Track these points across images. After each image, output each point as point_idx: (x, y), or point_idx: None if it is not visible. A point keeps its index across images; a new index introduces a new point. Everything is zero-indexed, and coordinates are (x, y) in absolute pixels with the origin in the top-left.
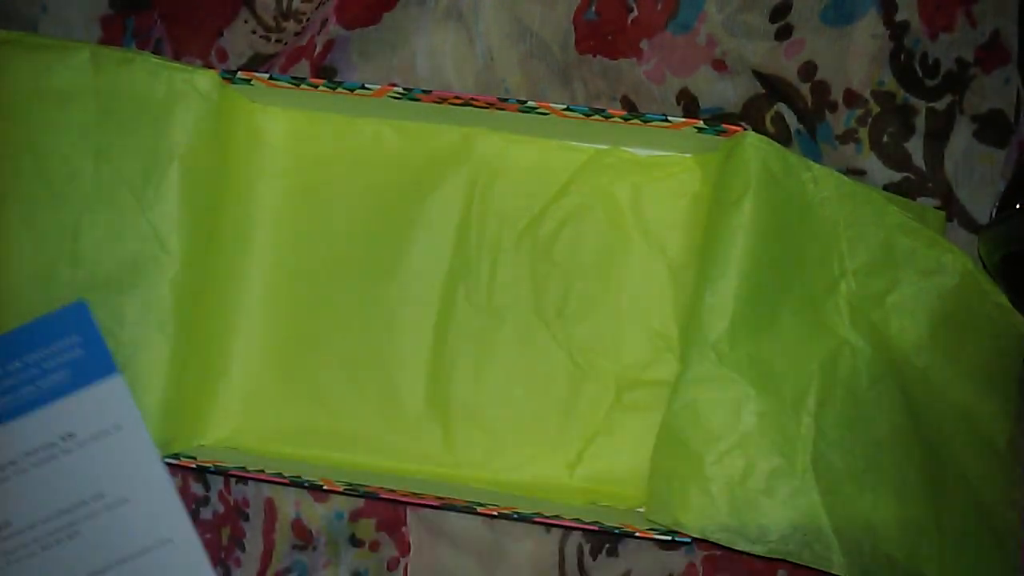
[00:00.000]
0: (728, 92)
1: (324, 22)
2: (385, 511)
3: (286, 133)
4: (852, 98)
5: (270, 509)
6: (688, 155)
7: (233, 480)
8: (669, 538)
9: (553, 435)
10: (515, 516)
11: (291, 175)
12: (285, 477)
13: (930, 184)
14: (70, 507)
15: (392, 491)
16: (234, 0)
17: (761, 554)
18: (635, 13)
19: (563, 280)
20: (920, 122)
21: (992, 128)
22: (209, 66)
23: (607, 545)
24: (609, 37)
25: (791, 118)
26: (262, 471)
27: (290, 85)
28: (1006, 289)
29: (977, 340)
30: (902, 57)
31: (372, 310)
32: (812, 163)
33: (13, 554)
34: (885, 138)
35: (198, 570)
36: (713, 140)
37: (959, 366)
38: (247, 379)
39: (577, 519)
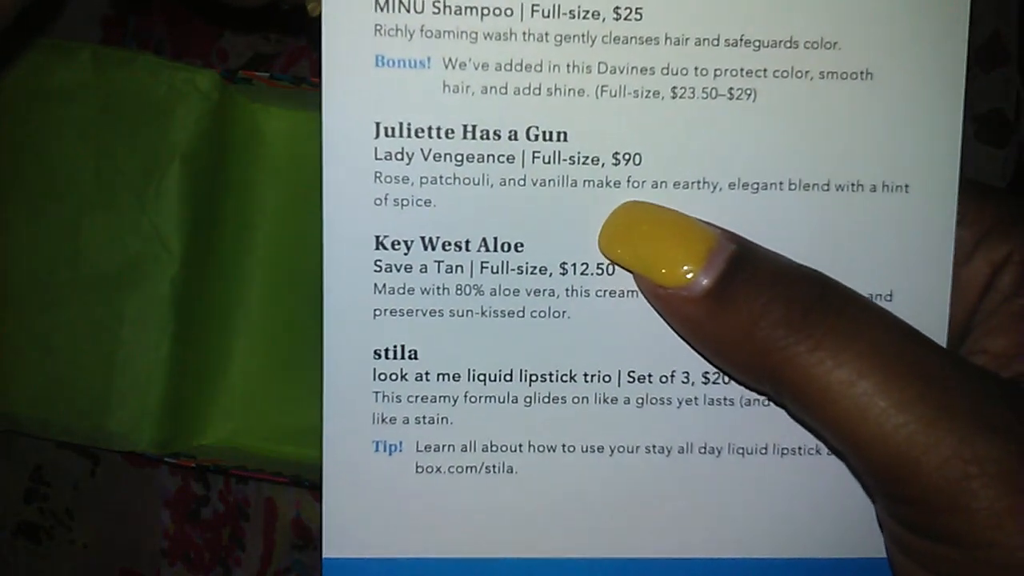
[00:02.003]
0: None
1: None
2: None
3: (286, 133)
4: None
5: (270, 509)
6: None
7: (233, 480)
8: None
9: None
10: None
11: (291, 175)
12: (285, 477)
13: None
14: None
15: None
16: None
17: None
18: None
19: None
20: None
21: (992, 128)
22: (210, 66)
23: None
24: None
25: None
26: (262, 470)
27: (290, 85)
28: None
29: None
30: None
31: None
32: None
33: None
34: None
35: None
36: None
37: None
38: (247, 378)
39: None
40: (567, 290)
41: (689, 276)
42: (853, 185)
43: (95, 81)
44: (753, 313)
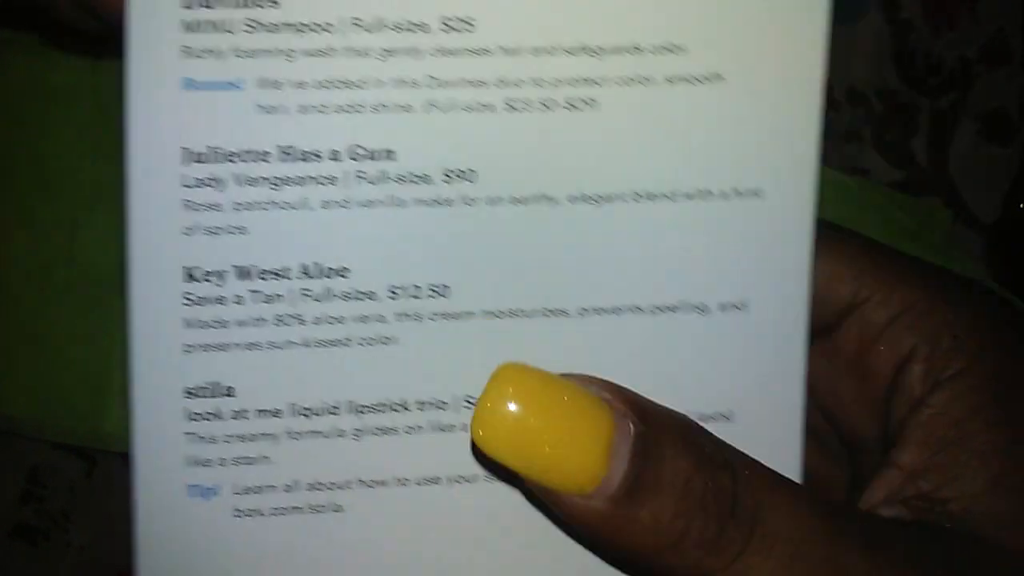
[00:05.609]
0: None
1: None
2: None
3: None
4: (855, 96)
5: None
6: None
7: None
8: None
9: None
10: None
11: None
12: None
13: (934, 183)
14: None
15: None
16: None
17: None
18: None
19: None
20: (923, 120)
21: (996, 126)
22: None
23: None
24: None
25: None
26: None
27: None
28: (1012, 291)
29: None
30: (905, 55)
31: None
32: None
33: None
34: (888, 137)
35: None
36: None
37: None
38: None
39: None
40: (397, 315)
41: (596, 481)
42: (701, 192)
43: (93, 80)
44: (664, 525)
